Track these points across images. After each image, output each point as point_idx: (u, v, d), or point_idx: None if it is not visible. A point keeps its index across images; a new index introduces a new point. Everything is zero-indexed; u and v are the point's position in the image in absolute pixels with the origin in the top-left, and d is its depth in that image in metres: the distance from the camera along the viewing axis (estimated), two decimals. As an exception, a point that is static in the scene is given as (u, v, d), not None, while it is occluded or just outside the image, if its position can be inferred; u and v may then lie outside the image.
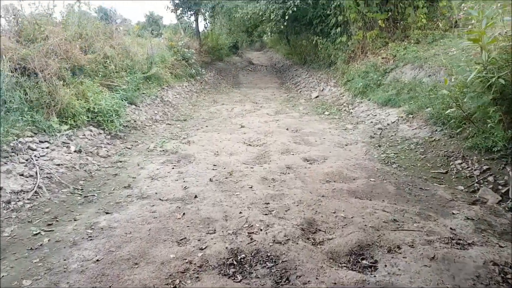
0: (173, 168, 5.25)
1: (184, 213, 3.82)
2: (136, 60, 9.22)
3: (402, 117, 7.04)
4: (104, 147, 5.83)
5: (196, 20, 19.30)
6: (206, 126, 7.92)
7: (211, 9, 18.58)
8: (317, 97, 10.94)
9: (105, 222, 3.66)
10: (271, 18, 12.24)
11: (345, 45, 11.09)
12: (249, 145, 6.52)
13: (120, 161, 5.45)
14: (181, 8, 18.24)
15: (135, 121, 7.31)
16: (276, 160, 5.57)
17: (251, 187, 4.49)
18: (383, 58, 9.61)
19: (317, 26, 14.19)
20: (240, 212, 3.81)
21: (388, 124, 7.11)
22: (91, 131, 5.95)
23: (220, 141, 6.61)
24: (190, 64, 13.48)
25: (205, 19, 20.53)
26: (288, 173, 5.05)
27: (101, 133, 6.13)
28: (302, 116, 8.86)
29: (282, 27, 12.70)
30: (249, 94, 12.77)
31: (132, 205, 4.07)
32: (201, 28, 22.44)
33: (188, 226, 3.56)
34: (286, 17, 11.74)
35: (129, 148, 6.13)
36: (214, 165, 5.35)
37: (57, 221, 3.74)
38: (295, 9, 11.48)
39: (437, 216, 3.80)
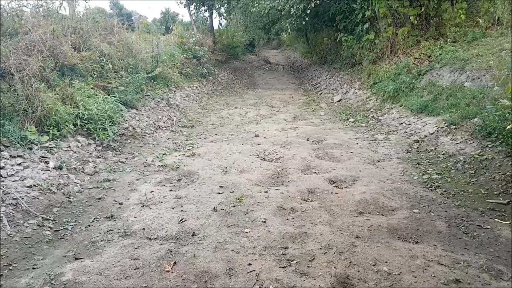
0: (170, 191, 4.33)
1: (175, 262, 2.89)
2: (140, 59, 8.37)
3: (442, 128, 5.95)
4: (92, 161, 4.96)
5: (210, 16, 18.43)
6: (216, 134, 6.99)
7: (227, 4, 17.64)
8: (340, 100, 9.89)
9: (71, 274, 2.76)
10: (291, 13, 11.22)
11: (372, 43, 9.98)
12: (264, 159, 5.55)
13: (109, 180, 4.56)
14: (194, 3, 17.37)
15: (133, 128, 6.43)
16: (296, 180, 4.59)
17: (264, 221, 3.53)
18: (415, 58, 8.49)
19: (340, 23, 13.09)
20: (250, 264, 2.85)
21: (425, 136, 6.03)
22: (78, 141, 5.09)
23: (230, 154, 5.67)
24: (201, 63, 12.61)
25: (220, 15, 19.63)
26: (311, 200, 4.07)
27: (90, 144, 5.26)
28: (324, 123, 7.84)
29: (303, 23, 11.65)
30: (265, 96, 11.80)
31: (111, 246, 3.16)
32: (215, 25, 21.62)
33: (177, 286, 2.62)
34: (308, 12, 10.69)
35: (122, 162, 5.25)
36: (221, 186, 4.41)
37: (10, 269, 2.86)
38: (318, 2, 10.41)
39: (510, 272, 2.80)
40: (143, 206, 3.91)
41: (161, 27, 17.46)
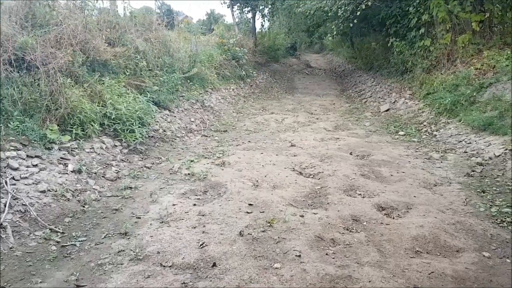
0: (194, 205, 3.86)
1: (188, 303, 2.39)
2: (177, 58, 8.05)
3: (511, 149, 5.08)
4: (116, 165, 4.60)
5: (253, 17, 18.06)
6: (249, 142, 6.48)
7: (271, 4, 17.18)
8: (387, 110, 9.07)
9: (67, 305, 2.34)
10: (338, 15, 10.53)
11: (427, 50, 9.08)
12: (300, 173, 4.97)
13: (130, 188, 4.17)
14: (238, 4, 17.06)
15: (164, 131, 6.07)
16: (337, 203, 3.97)
17: (299, 256, 2.95)
18: (477, 69, 7.53)
19: (390, 27, 12.22)
20: (278, 316, 2.29)
21: (490, 158, 5.18)
22: (103, 142, 4.76)
23: (263, 165, 5.13)
24: (240, 65, 12.20)
25: (263, 16, 19.22)
26: (356, 231, 3.44)
27: (116, 146, 4.92)
28: (369, 135, 7.11)
29: (350, 25, 10.94)
30: (303, 102, 11.17)
31: (119, 272, 2.72)
32: (258, 27, 21.28)
33: (187, 338, 2.11)
34: (358, 13, 9.95)
35: (147, 168, 4.87)
36: (250, 204, 3.88)
37: (3, 292, 2.49)
38: (369, 3, 9.65)
39: None
40: (162, 222, 3.46)
41: (203, 27, 17.31)
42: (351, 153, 5.77)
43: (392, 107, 9.12)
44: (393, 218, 3.73)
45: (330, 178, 4.67)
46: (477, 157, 5.32)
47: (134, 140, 5.08)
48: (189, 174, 4.66)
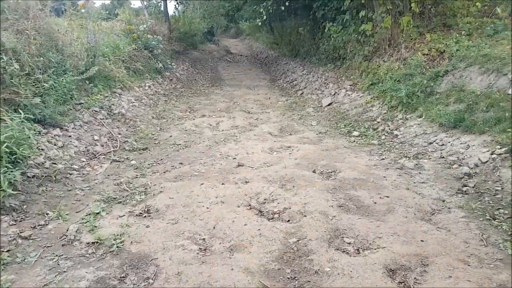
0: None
1: None
2: (69, 53, 6.00)
3: (499, 154, 4.32)
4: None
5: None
6: (180, 164, 4.88)
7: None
8: (330, 104, 8.09)
9: None
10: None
11: (366, 35, 8.23)
12: (261, 213, 3.59)
13: (-16, 296, 2.38)
14: (145, -15, 14.76)
15: (53, 163, 4.16)
16: (330, 272, 2.69)
17: None
18: (424, 54, 6.86)
19: (318, 10, 11.30)
20: None
21: (477, 166, 4.36)
22: None
23: (207, 207, 3.63)
24: (155, 55, 10.25)
25: None
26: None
27: (-38, 210, 2.99)
28: (322, 139, 5.99)
29: (282, 8, 9.76)
30: (236, 97, 9.75)
31: None
32: (171, 11, 19.13)
33: None
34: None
35: (25, 238, 3.04)
36: (201, 297, 2.40)
37: None
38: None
39: None
40: None
41: (104, 12, 14.64)
42: (314, 171, 4.54)
43: (335, 101, 8.16)
44: (416, 290, 2.56)
45: (304, 220, 3.37)
46: (461, 165, 4.47)
47: (-2, 194, 3.18)
48: (93, 243, 2.97)
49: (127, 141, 5.69)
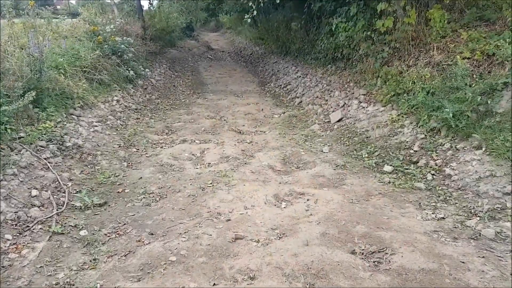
0: None
1: None
2: (4, 70, 4.37)
3: None
4: None
5: (137, -7, 14.09)
6: (150, 236, 3.33)
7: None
8: (340, 120, 6.65)
9: None
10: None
11: (383, 33, 6.80)
12: None
13: None
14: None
15: None
16: None
17: None
18: (465, 58, 5.42)
19: (314, 2, 9.83)
20: None
21: None
22: None
23: None
24: (125, 61, 8.59)
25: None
26: None
27: None
28: (344, 178, 4.52)
29: (277, 0, 8.26)
30: (222, 108, 8.21)
31: None
32: (145, 6, 17.36)
33: None
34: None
35: None
36: None
37: None
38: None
39: None
40: None
41: (63, 10, 12.75)
42: (353, 252, 3.05)
43: (346, 115, 6.73)
44: None
45: None
46: None
47: None
48: None
49: (80, 191, 4.10)
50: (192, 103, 8.83)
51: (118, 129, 6.20)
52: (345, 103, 7.13)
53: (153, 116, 7.43)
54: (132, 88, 8.32)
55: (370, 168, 4.76)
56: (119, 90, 7.75)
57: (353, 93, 7.23)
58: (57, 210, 3.68)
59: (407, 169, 4.55)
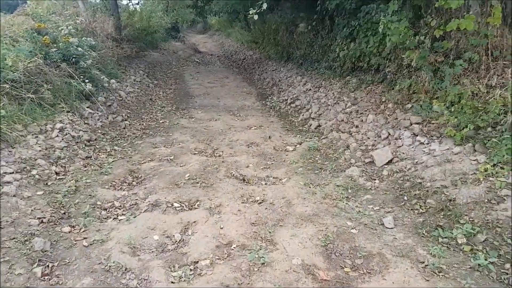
0: None
1: None
2: None
3: None
4: None
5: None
6: None
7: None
8: (389, 163, 4.49)
9: None
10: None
11: (439, 39, 4.70)
12: None
13: None
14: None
15: None
16: None
17: None
18: None
19: (329, 0, 7.72)
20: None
21: None
22: None
23: None
24: (82, 70, 6.29)
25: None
26: None
27: None
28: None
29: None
30: (215, 134, 5.98)
31: None
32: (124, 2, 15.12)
33: None
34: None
35: None
36: None
37: None
38: None
39: None
40: None
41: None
42: None
43: (396, 155, 4.58)
44: None
45: None
46: None
47: None
48: None
49: None
50: (174, 126, 6.58)
51: (49, 182, 3.90)
52: (388, 134, 5.00)
53: (113, 151, 5.15)
54: (88, 107, 6.01)
55: (482, 271, 2.61)
56: (68, 112, 5.45)
57: (398, 120, 5.11)
58: None
59: None
